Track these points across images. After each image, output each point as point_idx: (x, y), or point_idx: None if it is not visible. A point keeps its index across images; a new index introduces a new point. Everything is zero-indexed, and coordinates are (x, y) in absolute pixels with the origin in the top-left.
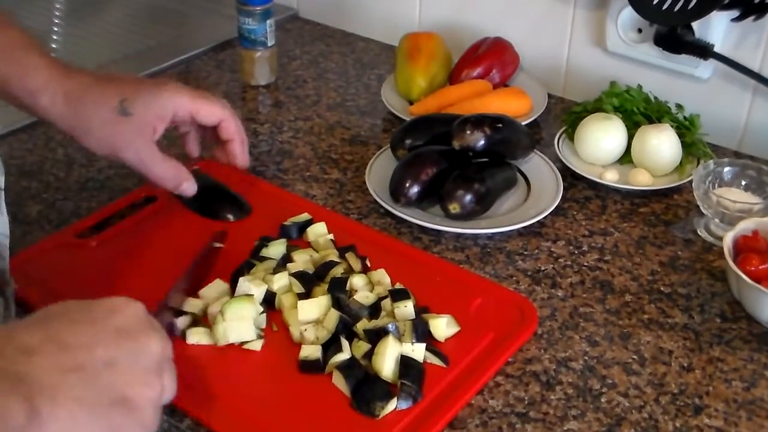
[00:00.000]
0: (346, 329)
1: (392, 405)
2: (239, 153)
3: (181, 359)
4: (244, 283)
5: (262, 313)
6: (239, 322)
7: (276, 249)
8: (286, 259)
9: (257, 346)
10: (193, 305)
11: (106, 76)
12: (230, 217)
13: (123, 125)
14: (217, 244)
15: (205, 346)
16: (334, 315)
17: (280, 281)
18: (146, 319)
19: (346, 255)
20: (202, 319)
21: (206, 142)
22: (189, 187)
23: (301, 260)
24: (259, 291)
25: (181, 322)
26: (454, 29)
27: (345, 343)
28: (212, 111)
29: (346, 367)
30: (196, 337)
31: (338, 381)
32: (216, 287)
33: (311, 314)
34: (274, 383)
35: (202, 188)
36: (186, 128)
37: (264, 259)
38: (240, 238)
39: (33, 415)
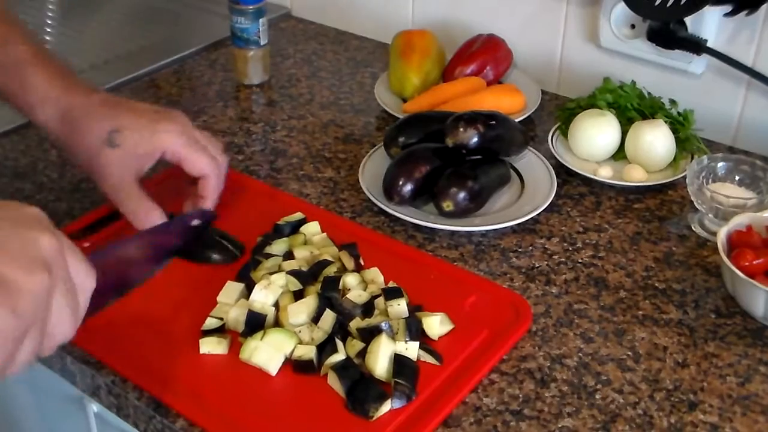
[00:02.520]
0: (340, 328)
1: (386, 407)
2: (206, 203)
3: (181, 363)
4: (259, 292)
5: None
6: (273, 351)
7: (279, 246)
8: (288, 256)
9: (272, 372)
10: (217, 311)
11: (106, 101)
12: (216, 258)
13: (107, 156)
14: (195, 222)
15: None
16: (330, 316)
17: (279, 281)
18: (44, 220)
19: (340, 254)
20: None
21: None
22: None
23: (301, 256)
24: (272, 298)
25: (208, 323)
26: (448, 26)
27: (340, 344)
28: (197, 164)
29: (342, 368)
30: (208, 347)
31: (333, 382)
32: (231, 289)
33: (300, 316)
34: (268, 383)
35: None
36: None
37: (268, 255)
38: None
39: None
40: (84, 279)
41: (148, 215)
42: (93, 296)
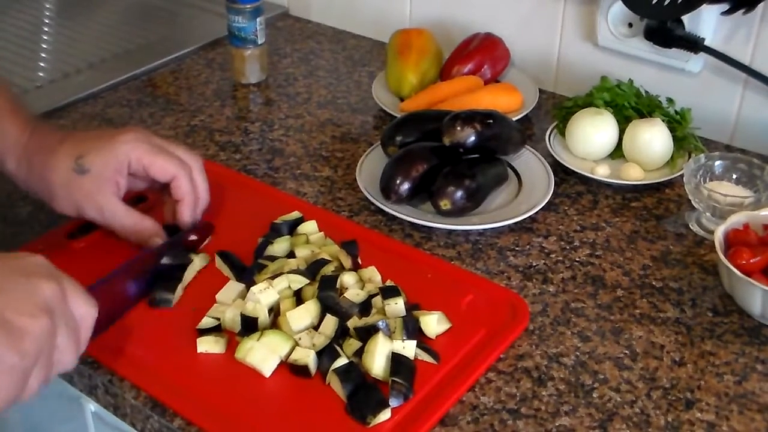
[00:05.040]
0: (338, 327)
1: (385, 416)
2: (184, 215)
3: (178, 362)
4: (254, 294)
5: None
6: (268, 353)
7: (281, 246)
8: (290, 256)
9: (266, 373)
10: (214, 311)
11: (66, 135)
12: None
13: (81, 183)
14: (192, 237)
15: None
16: (332, 321)
17: (279, 285)
18: (47, 266)
19: (338, 252)
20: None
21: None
22: (156, 243)
23: (302, 255)
24: (267, 301)
25: (205, 322)
26: (445, 25)
27: (340, 351)
28: (165, 167)
29: (345, 372)
30: (206, 346)
31: (335, 385)
32: (231, 289)
33: (304, 321)
34: (265, 383)
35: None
36: (142, 185)
37: (272, 258)
38: (234, 237)
39: None
40: (86, 311)
41: (139, 227)
42: (97, 321)
